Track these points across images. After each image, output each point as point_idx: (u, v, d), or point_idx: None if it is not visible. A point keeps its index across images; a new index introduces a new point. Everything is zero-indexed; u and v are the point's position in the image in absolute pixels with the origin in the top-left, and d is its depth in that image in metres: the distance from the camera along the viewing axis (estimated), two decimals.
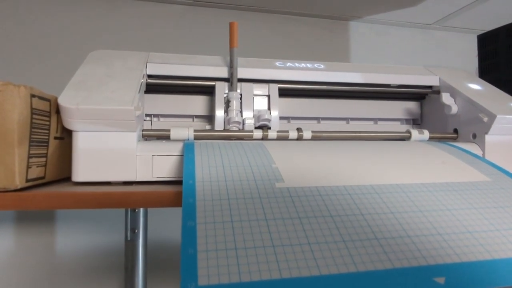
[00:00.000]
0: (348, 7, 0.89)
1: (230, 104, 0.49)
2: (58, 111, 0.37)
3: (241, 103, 0.50)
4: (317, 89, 0.54)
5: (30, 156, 0.32)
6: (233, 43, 0.49)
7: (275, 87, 0.52)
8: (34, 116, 0.33)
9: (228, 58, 0.51)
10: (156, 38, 0.85)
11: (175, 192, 0.33)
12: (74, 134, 0.37)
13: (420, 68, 0.59)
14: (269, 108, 0.51)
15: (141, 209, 0.64)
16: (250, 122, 0.48)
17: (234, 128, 0.48)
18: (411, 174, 0.35)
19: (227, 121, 0.48)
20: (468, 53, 1.04)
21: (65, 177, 0.41)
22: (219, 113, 0.49)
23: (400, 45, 1.01)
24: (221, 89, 0.50)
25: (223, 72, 0.50)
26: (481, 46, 0.70)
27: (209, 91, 0.53)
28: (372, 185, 0.33)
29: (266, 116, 0.48)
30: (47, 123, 0.36)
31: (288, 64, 0.54)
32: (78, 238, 0.76)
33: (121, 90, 0.39)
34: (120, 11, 0.84)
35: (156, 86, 0.50)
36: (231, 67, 0.49)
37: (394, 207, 0.30)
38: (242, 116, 0.49)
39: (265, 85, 0.52)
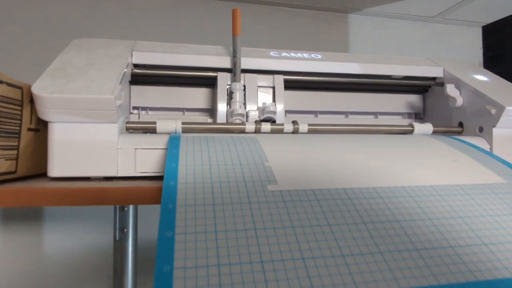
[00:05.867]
0: None
1: (233, 96, 0.46)
2: (32, 100, 0.34)
3: (244, 95, 0.47)
4: (315, 80, 0.51)
5: None
6: (236, 31, 0.46)
7: (280, 78, 0.49)
8: (2, 104, 0.30)
9: (230, 48, 0.48)
10: (148, 30, 0.82)
11: (158, 188, 0.31)
12: (49, 125, 0.34)
13: (423, 59, 0.56)
14: (273, 100, 0.49)
15: (131, 207, 0.61)
16: (254, 115, 0.46)
17: (237, 121, 0.45)
18: (418, 175, 0.32)
19: (229, 113, 0.46)
20: (471, 47, 1.01)
21: (43, 173, 0.38)
22: (221, 105, 0.47)
23: (400, 38, 0.98)
24: (224, 80, 0.47)
25: (225, 62, 0.47)
26: (486, 37, 0.67)
27: (205, 83, 0.50)
28: (375, 188, 0.29)
29: (272, 109, 0.46)
30: (19, 112, 0.33)
31: (283, 54, 0.51)
32: (65, 237, 0.73)
33: (102, 79, 0.36)
34: (110, 2, 0.81)
35: (145, 77, 0.48)
36: (234, 56, 0.46)
37: (400, 214, 0.27)
38: (246, 108, 0.47)
39: (270, 77, 0.49)
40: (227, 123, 0.45)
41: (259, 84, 0.49)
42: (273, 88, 0.49)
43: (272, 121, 0.46)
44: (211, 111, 0.51)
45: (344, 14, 0.94)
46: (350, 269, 0.21)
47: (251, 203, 0.26)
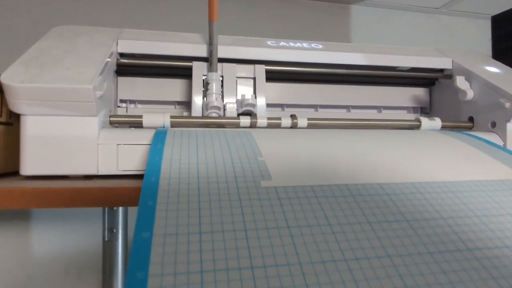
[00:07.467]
0: None
1: (209, 87, 0.43)
2: (2, 90, 0.30)
3: (222, 86, 0.44)
4: (314, 72, 0.48)
5: None
6: (213, 17, 0.43)
7: (261, 69, 0.46)
8: None
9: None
10: (140, 21, 0.78)
11: (140, 188, 0.27)
12: (21, 118, 0.31)
13: (430, 49, 0.53)
14: (254, 93, 0.45)
15: (120, 207, 0.58)
16: (232, 108, 0.42)
17: (214, 115, 0.41)
18: (427, 170, 0.29)
19: (205, 106, 0.42)
20: (478, 39, 0.97)
21: (16, 171, 0.35)
22: (197, 97, 0.43)
23: (404, 31, 0.94)
24: (199, 70, 0.44)
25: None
26: (496, 28, 0.64)
27: (187, 74, 0.47)
28: (381, 184, 0.27)
29: (251, 101, 0.42)
30: None
31: (282, 43, 0.47)
32: (52, 238, 0.70)
33: (80, 67, 0.33)
34: None
35: (131, 68, 0.44)
36: (211, 44, 0.43)
37: (409, 212, 0.24)
38: (223, 101, 0.43)
39: (251, 67, 0.46)
40: (221, 117, 0.42)
41: (239, 74, 0.45)
42: (254, 79, 0.46)
43: (252, 114, 0.43)
44: (188, 104, 0.48)
45: (346, 5, 0.90)
46: (354, 276, 0.18)
47: (241, 200, 0.23)
